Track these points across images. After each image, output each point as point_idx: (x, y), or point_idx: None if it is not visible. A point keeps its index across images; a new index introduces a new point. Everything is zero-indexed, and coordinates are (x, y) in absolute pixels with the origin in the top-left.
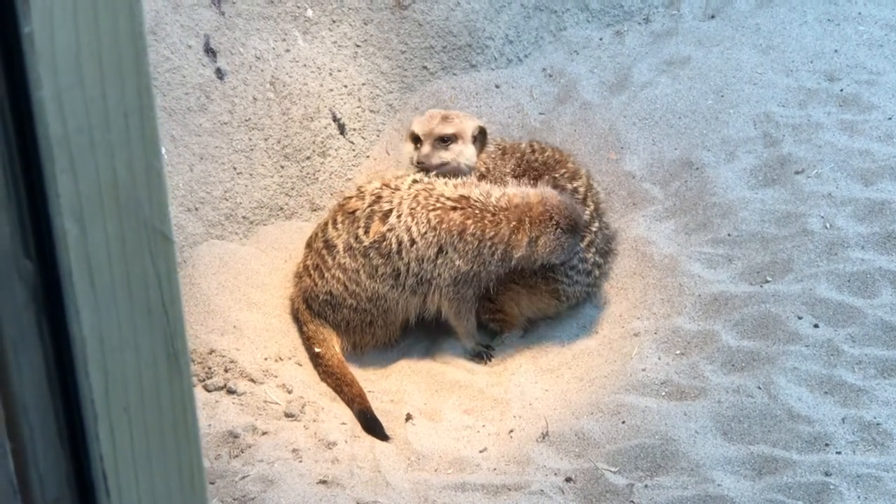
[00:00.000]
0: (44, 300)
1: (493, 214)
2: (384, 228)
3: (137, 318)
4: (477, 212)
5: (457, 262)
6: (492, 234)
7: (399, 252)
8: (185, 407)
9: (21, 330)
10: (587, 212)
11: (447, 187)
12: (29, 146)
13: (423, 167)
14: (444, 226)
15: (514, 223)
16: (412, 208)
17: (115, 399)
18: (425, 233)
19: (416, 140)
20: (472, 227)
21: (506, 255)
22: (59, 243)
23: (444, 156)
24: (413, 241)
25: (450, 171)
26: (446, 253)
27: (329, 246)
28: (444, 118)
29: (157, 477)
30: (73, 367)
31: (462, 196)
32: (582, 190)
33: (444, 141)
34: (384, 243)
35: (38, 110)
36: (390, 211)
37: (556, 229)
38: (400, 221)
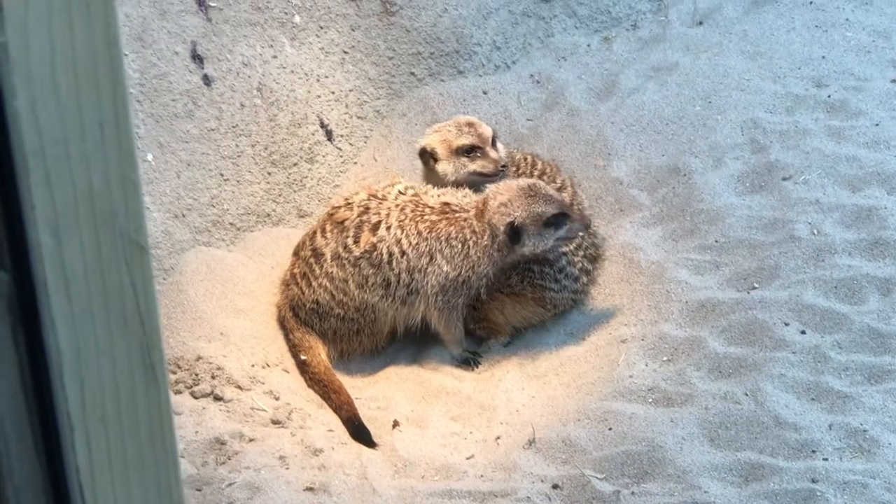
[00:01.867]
0: (19, 311)
1: (466, 211)
2: (374, 239)
3: (113, 328)
4: (457, 216)
5: (445, 268)
6: (469, 233)
7: (390, 263)
8: (161, 417)
9: None
10: None
11: (431, 197)
12: (3, 157)
13: (501, 171)
14: (433, 234)
15: (474, 214)
16: (401, 220)
17: (92, 410)
18: (417, 244)
19: (468, 151)
20: (455, 231)
21: (482, 249)
22: (34, 254)
23: (502, 155)
24: (403, 252)
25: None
26: (435, 260)
27: (317, 254)
28: (473, 124)
29: (134, 488)
30: (48, 379)
31: (444, 203)
32: (567, 200)
33: (493, 143)
34: (374, 254)
35: (12, 121)
36: (379, 222)
37: (494, 194)
38: (389, 233)
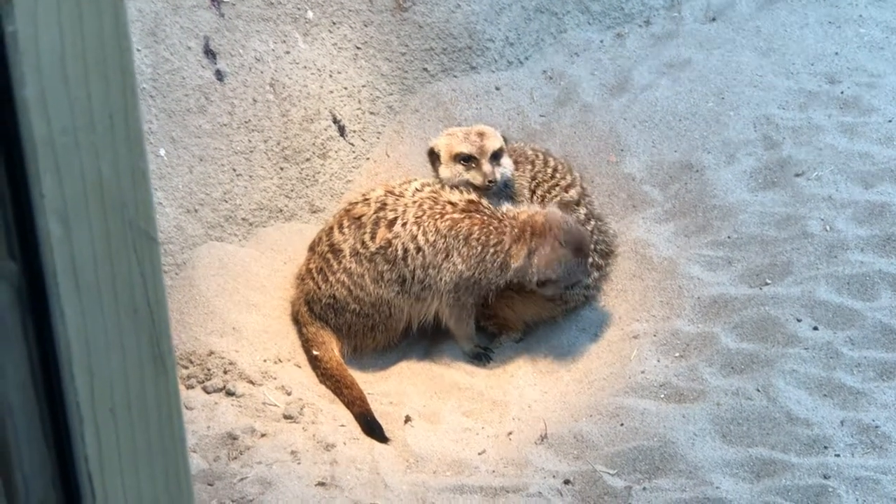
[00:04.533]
0: (28, 301)
1: (500, 222)
2: (390, 235)
3: (123, 319)
4: (485, 218)
5: (459, 267)
6: (495, 240)
7: (405, 259)
8: (170, 408)
9: (5, 331)
10: (581, 214)
11: (454, 194)
12: (13, 146)
13: (490, 187)
14: (452, 232)
15: (516, 232)
16: (417, 217)
17: (101, 400)
18: (434, 241)
19: (465, 159)
20: (478, 232)
21: (504, 265)
22: (43, 244)
23: (502, 171)
24: (419, 249)
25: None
26: (451, 257)
27: (335, 250)
28: (483, 134)
29: (143, 478)
30: (58, 369)
31: (470, 201)
32: (576, 196)
33: (496, 157)
34: (389, 249)
35: (22, 110)
36: (395, 219)
37: (553, 241)
38: (405, 230)
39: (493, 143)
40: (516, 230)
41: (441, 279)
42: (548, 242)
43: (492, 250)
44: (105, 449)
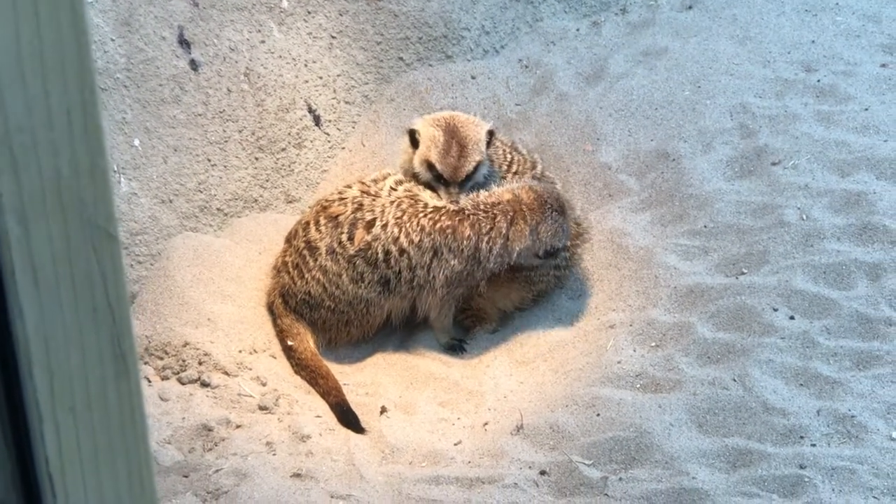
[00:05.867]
0: None
1: (486, 212)
2: (369, 237)
3: (83, 317)
4: (468, 208)
5: (452, 262)
6: (488, 227)
7: (387, 261)
8: (132, 407)
9: None
10: None
11: (433, 199)
12: None
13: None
14: (437, 226)
15: (510, 216)
16: (398, 217)
17: (61, 400)
18: (419, 241)
19: (437, 177)
20: (468, 222)
21: (506, 250)
22: (1, 243)
23: (472, 183)
24: (403, 251)
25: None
26: (441, 255)
27: (311, 247)
28: (464, 152)
29: (105, 478)
30: (17, 368)
31: (437, 206)
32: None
33: (470, 177)
34: (369, 252)
35: None
36: (374, 220)
37: (551, 212)
38: (385, 232)
39: (469, 165)
40: (509, 215)
41: (433, 277)
42: (547, 215)
43: (485, 239)
44: (66, 449)
